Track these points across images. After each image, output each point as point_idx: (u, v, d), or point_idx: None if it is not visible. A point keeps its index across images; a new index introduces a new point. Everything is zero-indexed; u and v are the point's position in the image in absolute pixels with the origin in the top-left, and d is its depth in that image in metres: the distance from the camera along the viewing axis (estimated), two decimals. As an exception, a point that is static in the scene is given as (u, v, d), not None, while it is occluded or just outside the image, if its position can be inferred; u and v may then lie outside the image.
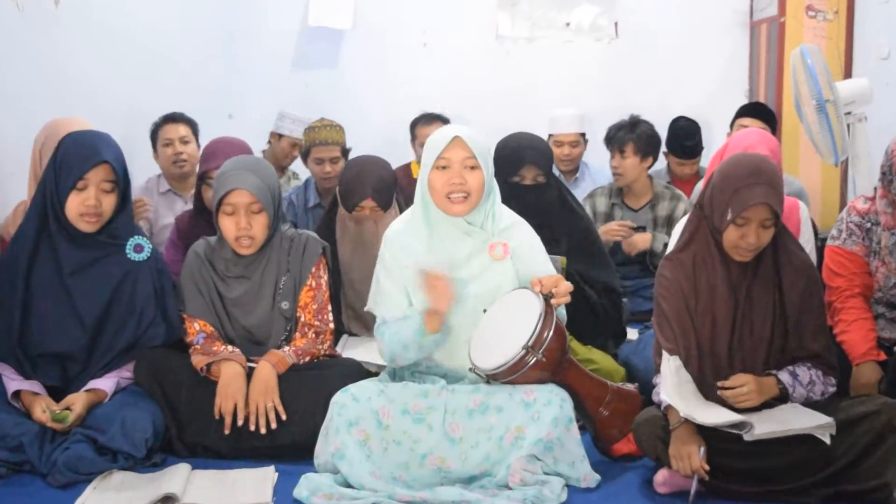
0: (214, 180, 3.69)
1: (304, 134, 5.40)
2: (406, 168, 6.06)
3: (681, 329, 3.22)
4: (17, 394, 3.50)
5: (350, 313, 4.18)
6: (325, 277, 3.74)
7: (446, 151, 3.33)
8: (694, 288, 3.25)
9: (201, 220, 4.26)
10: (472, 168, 3.33)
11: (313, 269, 3.72)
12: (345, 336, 4.16)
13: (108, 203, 3.53)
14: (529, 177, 4.06)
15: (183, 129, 5.21)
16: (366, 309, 3.53)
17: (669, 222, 5.23)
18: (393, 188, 4.20)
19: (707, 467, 3.03)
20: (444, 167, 3.33)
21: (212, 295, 3.69)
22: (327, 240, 3.96)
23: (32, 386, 3.50)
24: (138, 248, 3.63)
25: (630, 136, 5.32)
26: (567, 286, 3.24)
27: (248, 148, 4.39)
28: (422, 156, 3.41)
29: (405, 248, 3.40)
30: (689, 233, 3.30)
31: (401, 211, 4.17)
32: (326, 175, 5.24)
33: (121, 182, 3.54)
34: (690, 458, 3.04)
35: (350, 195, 4.14)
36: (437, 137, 3.37)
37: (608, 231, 5.21)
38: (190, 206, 4.58)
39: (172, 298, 3.67)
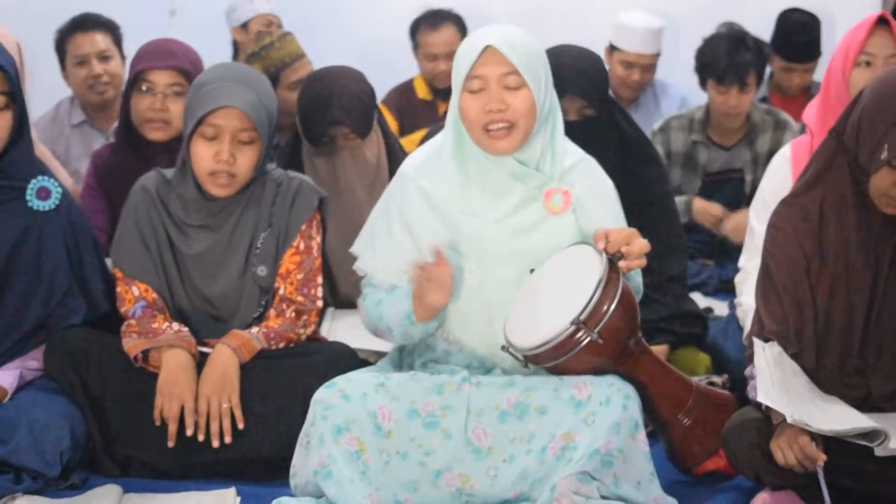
0: (193, 91, 3.69)
1: (261, 57, 5.38)
2: (407, 86, 6.07)
3: (794, 303, 3.20)
4: None
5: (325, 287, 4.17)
6: (318, 239, 3.78)
7: (478, 67, 3.32)
8: (818, 246, 3.23)
9: (127, 152, 4.26)
10: (516, 87, 3.31)
11: (303, 227, 3.74)
12: (331, 309, 4.18)
13: (2, 125, 3.53)
14: (573, 110, 4.06)
15: (100, 40, 5.22)
16: (351, 249, 3.55)
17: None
18: (371, 106, 4.25)
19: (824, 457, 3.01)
20: (477, 90, 3.32)
21: (161, 248, 3.71)
22: None
23: None
24: (43, 194, 3.62)
25: (751, 61, 5.32)
26: (643, 245, 3.22)
27: (198, 55, 4.39)
28: (452, 72, 3.41)
29: (431, 202, 3.40)
30: (817, 169, 3.26)
31: (386, 137, 4.10)
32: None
33: (19, 97, 3.53)
34: (801, 443, 3.02)
35: (312, 122, 4.19)
36: (465, 49, 3.37)
37: (703, 213, 5.15)
38: None
39: (93, 260, 3.69)
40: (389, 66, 6.10)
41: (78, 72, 5.21)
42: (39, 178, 3.62)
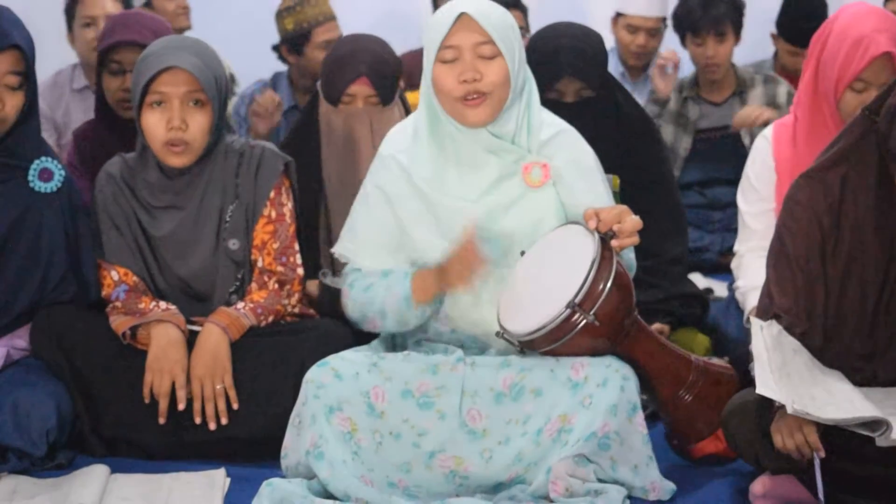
0: (137, 65, 3.67)
1: (295, 13, 5.44)
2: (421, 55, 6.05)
3: (807, 279, 3.18)
4: None
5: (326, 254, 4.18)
6: (290, 205, 3.76)
7: (451, 37, 3.32)
8: (836, 223, 3.20)
9: (107, 129, 4.27)
10: (490, 57, 3.32)
11: (272, 194, 3.72)
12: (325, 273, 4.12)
13: (13, 104, 3.54)
14: (570, 92, 4.06)
15: (110, 4, 5.21)
16: (333, 250, 3.56)
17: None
18: (396, 76, 4.22)
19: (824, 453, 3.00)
20: (451, 60, 3.33)
21: (134, 232, 3.70)
22: (302, 151, 3.95)
23: None
24: (46, 175, 3.63)
25: (727, 11, 5.42)
26: (634, 222, 3.22)
27: (169, 27, 4.39)
28: (423, 45, 3.42)
29: (408, 176, 3.39)
30: (844, 145, 3.22)
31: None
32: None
33: (32, 77, 3.55)
34: (804, 432, 2.99)
35: (336, 76, 4.15)
36: (437, 18, 3.37)
37: (745, 119, 5.27)
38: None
39: (89, 247, 3.69)
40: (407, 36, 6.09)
41: (85, 33, 5.18)
42: (43, 159, 3.63)
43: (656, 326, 3.84)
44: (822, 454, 2.99)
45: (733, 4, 5.47)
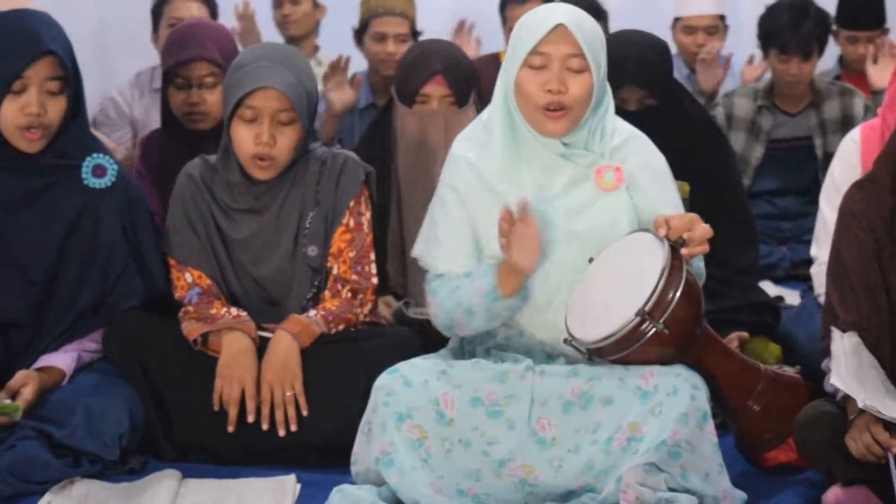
0: (231, 73, 3.69)
1: (363, 2, 5.52)
2: (493, 59, 6.06)
3: (867, 290, 3.16)
4: None
5: (406, 261, 4.15)
6: (368, 215, 3.77)
7: (544, 44, 3.29)
8: (891, 231, 3.18)
9: (172, 138, 4.27)
10: (578, 71, 3.30)
11: (352, 204, 3.73)
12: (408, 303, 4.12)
13: (56, 109, 3.55)
14: (633, 100, 4.04)
15: (196, 9, 5.28)
16: (413, 254, 3.52)
17: (845, 126, 5.23)
18: (471, 79, 4.22)
19: None
20: (539, 66, 3.30)
21: (210, 234, 3.71)
22: (377, 152, 3.97)
23: (-35, 364, 3.54)
24: (99, 171, 3.64)
25: (813, 31, 5.34)
26: (705, 230, 3.19)
27: (232, 37, 4.40)
28: (509, 45, 3.39)
29: (479, 173, 3.36)
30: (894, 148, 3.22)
31: None
32: (389, 57, 5.36)
33: (72, 80, 3.55)
34: (873, 431, 2.98)
35: (411, 76, 4.17)
36: (534, 20, 3.34)
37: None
38: None
39: (151, 238, 3.70)
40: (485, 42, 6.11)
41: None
42: (95, 155, 3.64)
43: (736, 335, 3.83)
44: (895, 450, 2.96)
45: (821, 24, 5.39)
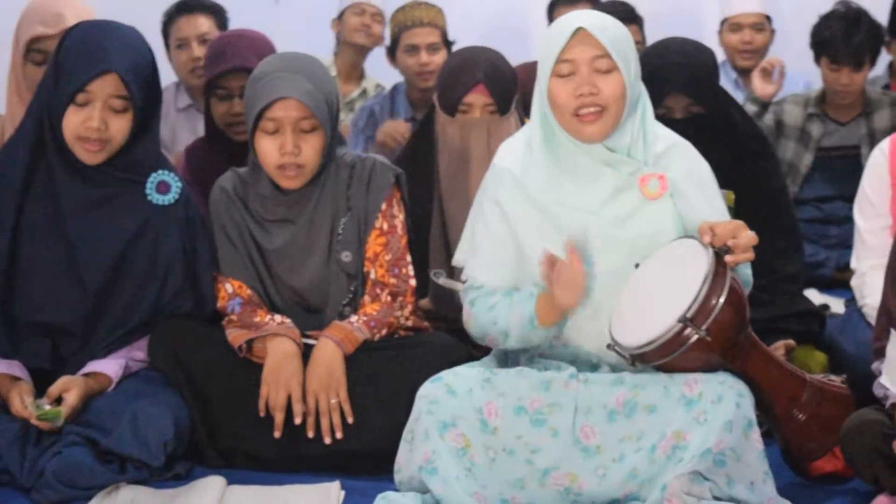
0: (249, 87, 3.70)
1: (392, 19, 5.51)
2: (535, 65, 6.02)
3: None
4: None
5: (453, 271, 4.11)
6: (401, 217, 3.78)
7: (568, 51, 3.30)
8: None
9: (217, 148, 4.28)
10: (607, 71, 3.30)
11: (384, 206, 3.73)
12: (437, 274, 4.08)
13: (118, 127, 3.56)
14: (679, 108, 4.03)
15: (203, 23, 5.25)
16: (454, 263, 3.53)
17: None
18: (513, 87, 4.21)
19: None
20: (567, 74, 3.31)
21: (247, 246, 3.72)
22: (420, 161, 3.97)
23: (11, 368, 3.54)
24: (163, 188, 3.65)
25: (866, 41, 5.34)
26: (750, 237, 3.18)
27: (271, 45, 4.39)
28: (538, 59, 3.39)
29: (522, 188, 3.36)
30: None
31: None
32: (423, 68, 5.34)
33: (137, 100, 3.57)
34: None
35: (453, 85, 4.16)
36: (555, 30, 3.35)
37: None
38: None
39: (206, 257, 3.71)
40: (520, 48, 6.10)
41: (179, 55, 5.24)
42: (160, 172, 3.66)
43: (782, 343, 3.81)
44: None
45: (874, 34, 5.38)
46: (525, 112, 4.13)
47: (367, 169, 3.74)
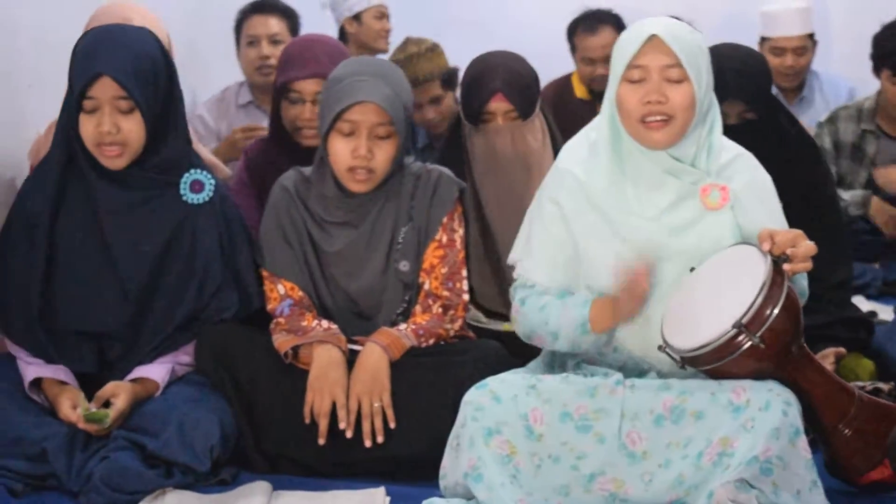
0: (327, 88, 3.71)
1: (408, 63, 5.38)
2: (564, 82, 6.01)
3: None
4: (37, 382, 3.54)
5: (500, 277, 4.12)
6: (461, 232, 3.77)
7: (640, 57, 3.28)
8: None
9: (280, 150, 4.27)
10: (677, 81, 3.28)
11: (445, 220, 3.73)
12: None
13: (130, 127, 3.56)
14: (733, 114, 4.02)
15: (275, 24, 5.31)
16: (509, 261, 3.51)
17: None
18: (535, 89, 4.19)
19: None
20: (638, 80, 3.29)
21: (304, 247, 3.73)
22: (453, 172, 3.91)
23: (56, 372, 3.56)
24: (197, 187, 3.66)
25: None
26: (809, 247, 3.17)
27: (346, 52, 4.40)
28: (611, 62, 3.38)
29: (584, 190, 3.36)
30: None
31: (552, 131, 4.06)
32: (430, 122, 5.33)
33: (140, 99, 3.55)
34: None
35: (473, 96, 4.14)
36: (628, 37, 3.33)
37: (880, 212, 5.09)
38: None
39: (247, 254, 3.71)
40: (544, 60, 6.08)
41: (248, 52, 5.28)
42: (192, 171, 3.66)
43: (832, 350, 3.79)
44: None
45: None
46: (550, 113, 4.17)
47: (433, 181, 3.75)
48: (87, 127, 3.54)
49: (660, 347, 3.22)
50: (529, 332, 3.37)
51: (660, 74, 3.26)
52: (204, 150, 4.76)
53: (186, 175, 3.65)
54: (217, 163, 4.77)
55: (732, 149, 3.40)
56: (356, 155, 3.60)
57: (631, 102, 3.27)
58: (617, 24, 5.95)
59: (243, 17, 5.37)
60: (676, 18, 5.19)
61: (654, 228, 3.28)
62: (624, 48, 3.29)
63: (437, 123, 5.32)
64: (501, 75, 4.10)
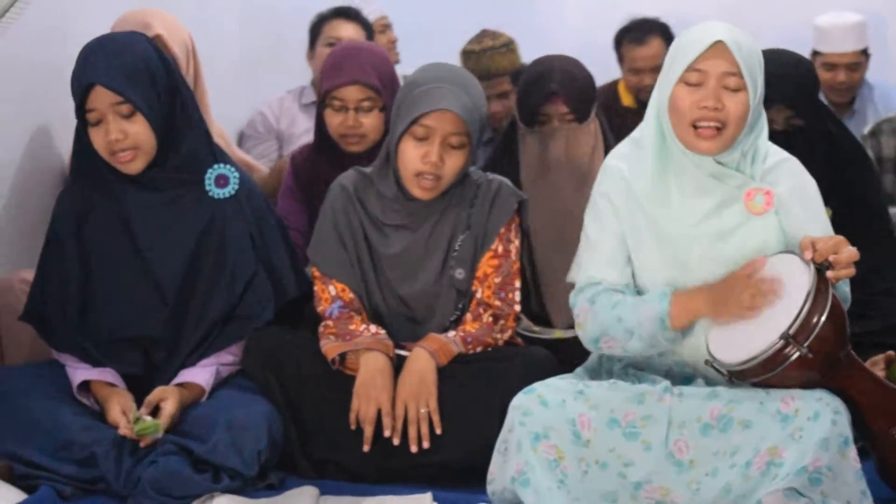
0: (405, 90, 3.70)
1: (464, 53, 5.48)
2: (610, 89, 6.00)
3: None
4: (86, 385, 3.57)
5: (537, 281, 4.14)
6: (517, 244, 3.76)
7: (702, 61, 3.26)
8: None
9: (324, 157, 4.29)
10: (735, 90, 3.26)
11: (502, 230, 3.73)
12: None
13: (136, 130, 3.58)
14: (780, 120, 3.99)
15: (355, 32, 5.32)
16: (568, 279, 3.49)
17: None
18: (591, 94, 4.20)
19: None
20: (695, 83, 3.27)
21: (358, 248, 3.73)
22: (503, 173, 3.92)
23: (104, 375, 3.59)
24: (222, 181, 3.68)
25: None
26: (851, 253, 3.14)
27: (388, 59, 4.41)
28: (665, 61, 3.36)
29: (629, 187, 3.36)
30: None
31: (605, 137, 4.05)
32: (494, 115, 5.34)
33: (138, 101, 3.56)
34: None
35: (529, 97, 4.15)
36: (692, 39, 3.31)
37: None
38: None
39: (279, 243, 3.73)
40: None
41: (323, 52, 5.25)
42: (216, 166, 3.68)
43: (882, 355, 3.76)
44: None
45: None
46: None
47: (493, 190, 3.74)
48: (97, 139, 3.56)
49: (706, 362, 3.20)
50: (599, 333, 3.33)
51: (718, 81, 3.24)
52: (239, 151, 4.81)
53: (210, 170, 3.67)
54: (251, 162, 4.81)
55: (777, 153, 3.38)
56: (426, 161, 3.60)
57: (685, 104, 3.25)
58: (665, 34, 5.92)
59: (323, 19, 5.37)
60: None
61: (697, 233, 3.27)
62: (686, 50, 3.27)
63: (501, 118, 5.31)
64: (559, 78, 4.11)
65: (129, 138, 3.55)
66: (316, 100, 5.28)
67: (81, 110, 3.56)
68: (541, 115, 4.12)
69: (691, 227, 3.29)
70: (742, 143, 3.31)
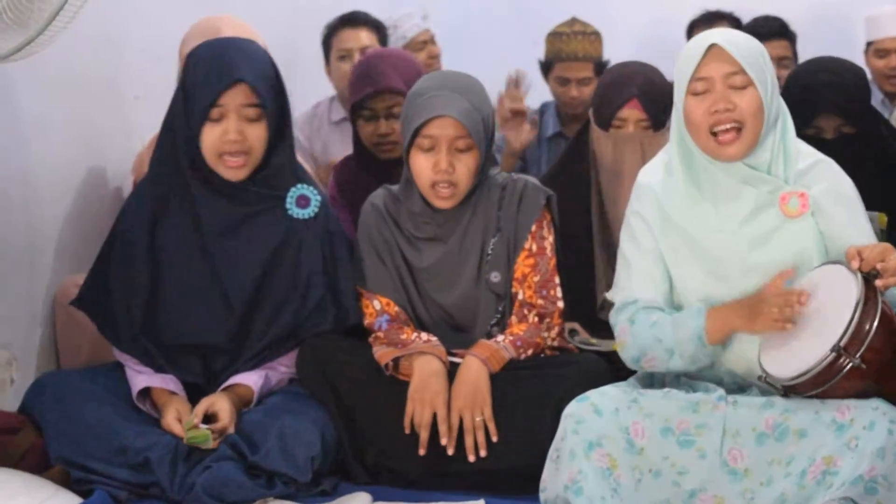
0: (408, 103, 3.72)
1: (547, 40, 5.46)
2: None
3: None
4: (145, 391, 3.60)
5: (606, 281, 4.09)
6: (550, 239, 3.76)
7: (702, 68, 3.27)
8: None
9: (362, 166, 4.32)
10: (742, 87, 3.26)
11: (533, 228, 3.72)
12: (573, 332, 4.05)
13: (256, 136, 3.61)
14: (830, 128, 3.99)
15: (365, 37, 5.29)
16: (607, 295, 3.51)
17: None
18: (668, 101, 4.08)
19: None
20: (702, 91, 3.28)
21: (396, 263, 3.74)
22: (573, 175, 3.95)
23: (165, 382, 3.61)
24: (303, 202, 3.69)
25: None
26: None
27: (417, 64, 4.41)
28: (674, 80, 3.37)
29: (662, 205, 3.36)
30: None
31: None
32: (572, 100, 5.35)
33: (269, 107, 3.60)
34: None
35: (608, 100, 4.15)
36: (688, 51, 3.32)
37: None
38: None
39: (348, 270, 3.73)
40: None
41: (340, 66, 5.27)
42: (299, 186, 3.69)
43: None
44: None
45: None
46: None
47: (519, 190, 3.74)
48: (211, 136, 3.58)
49: (759, 378, 3.19)
50: (639, 353, 3.32)
51: (723, 83, 3.25)
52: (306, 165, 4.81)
53: (293, 189, 3.68)
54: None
55: (811, 155, 3.36)
56: (437, 169, 3.61)
57: (697, 114, 3.26)
58: (737, 25, 5.90)
59: (332, 31, 5.34)
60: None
61: (735, 242, 3.26)
62: (685, 62, 3.28)
63: (577, 104, 5.32)
64: (638, 83, 4.11)
65: (246, 142, 3.58)
66: (346, 115, 5.30)
67: (209, 105, 3.57)
68: (617, 119, 4.12)
69: (728, 235, 3.28)
70: (767, 142, 3.29)
